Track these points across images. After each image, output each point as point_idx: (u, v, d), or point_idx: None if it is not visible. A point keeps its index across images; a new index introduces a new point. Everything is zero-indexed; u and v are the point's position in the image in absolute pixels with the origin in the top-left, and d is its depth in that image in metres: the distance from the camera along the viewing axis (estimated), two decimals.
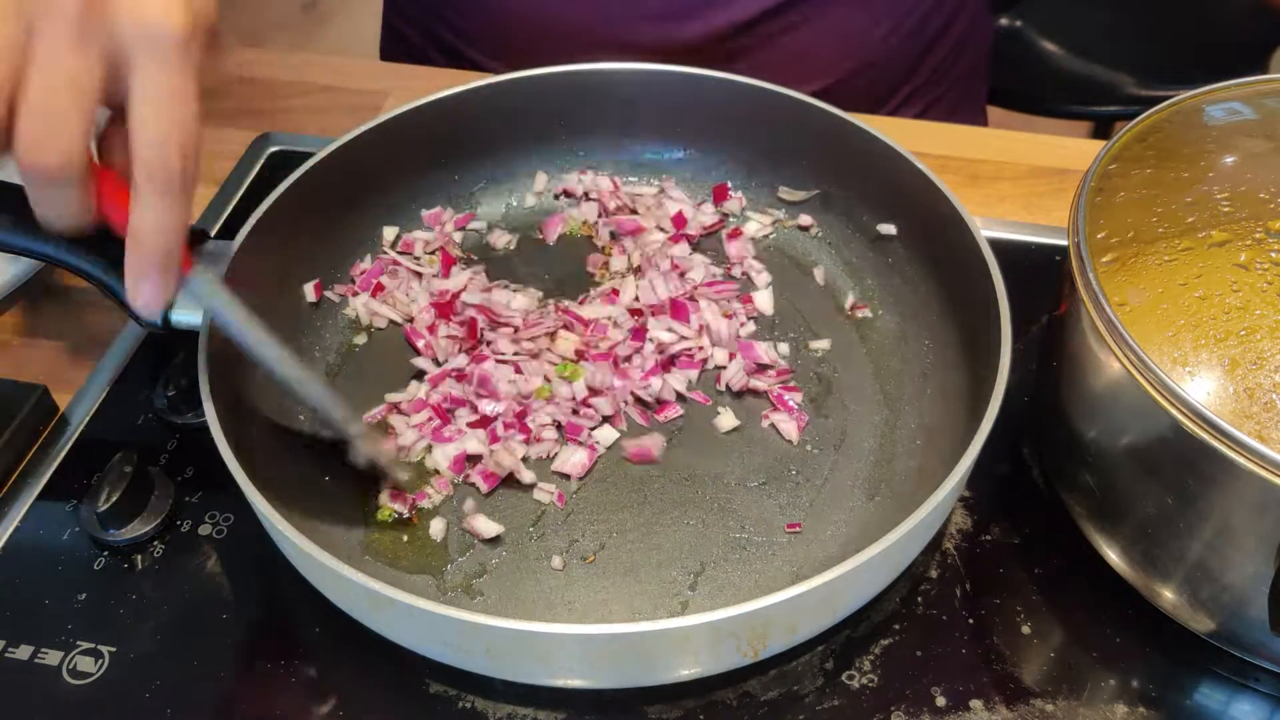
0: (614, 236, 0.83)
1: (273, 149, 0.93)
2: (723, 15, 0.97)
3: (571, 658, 0.56)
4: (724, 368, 0.75)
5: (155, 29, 0.50)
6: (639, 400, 0.73)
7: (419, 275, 0.79)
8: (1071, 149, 0.94)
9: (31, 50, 0.49)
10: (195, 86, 0.52)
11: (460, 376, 0.73)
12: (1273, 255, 0.60)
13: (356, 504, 0.69)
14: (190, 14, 0.52)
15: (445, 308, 0.77)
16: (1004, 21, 1.71)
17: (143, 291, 0.56)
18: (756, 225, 0.84)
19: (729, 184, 0.85)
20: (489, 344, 0.74)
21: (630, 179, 0.87)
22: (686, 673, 0.59)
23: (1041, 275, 0.81)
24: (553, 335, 0.74)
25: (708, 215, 0.84)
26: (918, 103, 1.09)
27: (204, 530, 0.68)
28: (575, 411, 0.72)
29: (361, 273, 0.79)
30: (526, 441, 0.70)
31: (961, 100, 1.14)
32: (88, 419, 0.74)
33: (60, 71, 0.50)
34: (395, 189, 0.83)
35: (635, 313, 0.77)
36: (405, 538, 0.67)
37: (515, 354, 0.73)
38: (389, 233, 0.82)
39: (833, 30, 1.00)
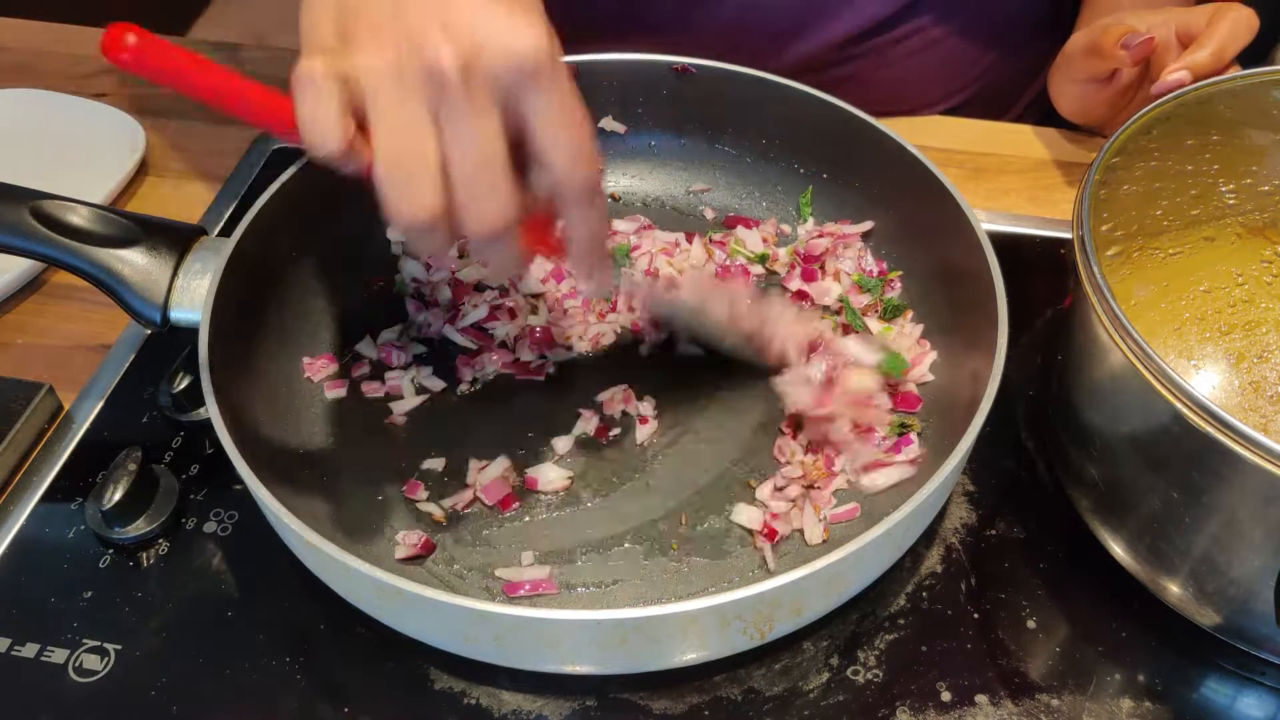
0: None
1: (275, 147, 0.93)
2: (838, 26, 0.95)
3: (579, 644, 0.56)
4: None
5: (531, 57, 0.51)
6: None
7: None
8: (1076, 142, 0.94)
9: (440, 132, 0.51)
10: (574, 89, 0.53)
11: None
12: (1278, 248, 0.60)
13: (361, 497, 0.69)
14: (545, 25, 0.52)
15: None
16: None
17: (598, 281, 0.61)
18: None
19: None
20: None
21: (629, 169, 0.87)
22: (694, 656, 0.59)
23: (1047, 269, 0.82)
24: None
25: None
26: (1037, 111, 1.06)
27: (209, 528, 0.68)
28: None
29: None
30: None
31: None
32: (92, 417, 0.74)
33: (475, 142, 0.51)
34: None
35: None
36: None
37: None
38: (395, 232, 0.82)
39: (943, 46, 0.99)
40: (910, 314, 0.77)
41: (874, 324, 0.76)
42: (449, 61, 0.50)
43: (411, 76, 0.50)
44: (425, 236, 0.53)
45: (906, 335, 0.75)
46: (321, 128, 0.51)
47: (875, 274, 0.79)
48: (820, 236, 0.80)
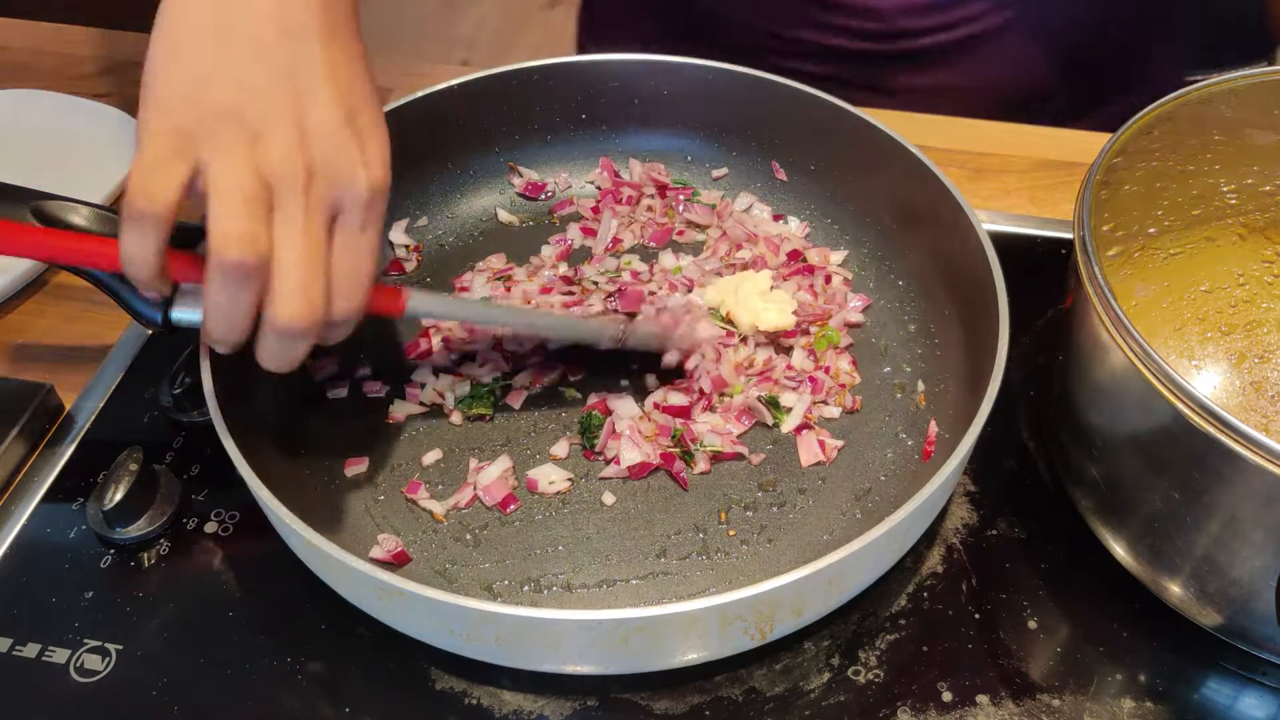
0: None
1: None
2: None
3: (580, 644, 0.56)
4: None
5: (369, 194, 0.57)
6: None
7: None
8: (1077, 142, 0.94)
9: (275, 231, 0.54)
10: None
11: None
12: (1279, 248, 0.60)
13: (362, 497, 0.69)
14: (387, 153, 0.60)
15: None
16: None
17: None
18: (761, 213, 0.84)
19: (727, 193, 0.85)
20: None
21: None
22: (695, 656, 0.59)
23: (1047, 269, 0.81)
24: None
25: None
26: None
27: (210, 528, 0.68)
28: None
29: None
30: None
31: None
32: (93, 417, 0.74)
33: (304, 244, 0.55)
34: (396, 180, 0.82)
35: None
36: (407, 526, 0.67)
37: None
38: (396, 233, 0.82)
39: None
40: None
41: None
42: (300, 175, 0.54)
43: (256, 175, 0.54)
44: (230, 315, 0.55)
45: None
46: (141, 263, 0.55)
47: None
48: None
